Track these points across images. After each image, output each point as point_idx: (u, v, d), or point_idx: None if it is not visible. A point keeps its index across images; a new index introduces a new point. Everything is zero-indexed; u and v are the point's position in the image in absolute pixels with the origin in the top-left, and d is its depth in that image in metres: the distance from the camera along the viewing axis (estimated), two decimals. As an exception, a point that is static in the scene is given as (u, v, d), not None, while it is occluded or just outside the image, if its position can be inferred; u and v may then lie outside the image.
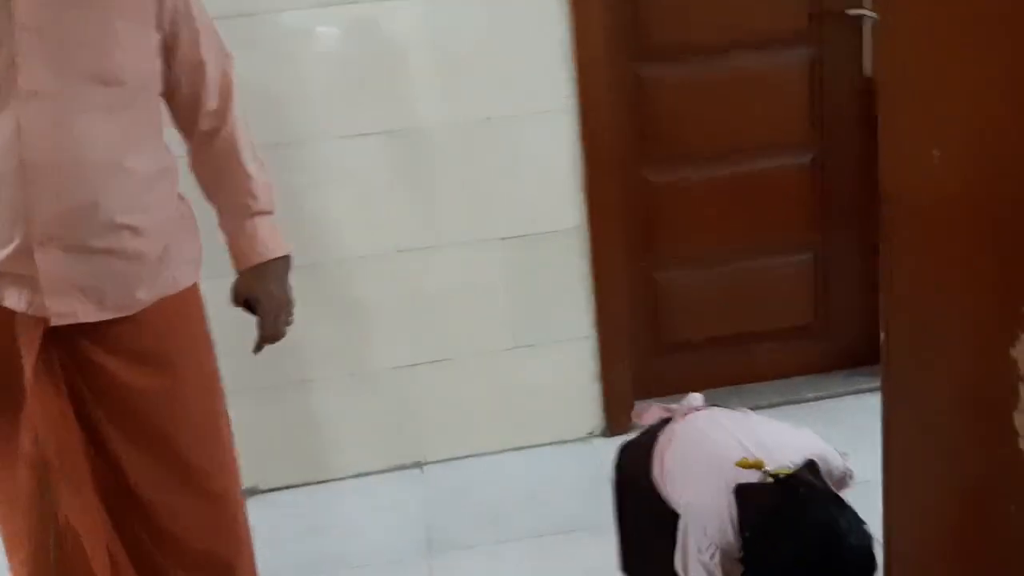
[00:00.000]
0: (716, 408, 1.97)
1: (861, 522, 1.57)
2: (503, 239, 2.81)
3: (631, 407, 2.95)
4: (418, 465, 2.91)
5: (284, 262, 1.84)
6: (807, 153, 3.04)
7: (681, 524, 1.75)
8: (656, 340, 3.06)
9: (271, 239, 1.81)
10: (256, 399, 2.75)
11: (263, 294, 1.80)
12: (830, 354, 3.14)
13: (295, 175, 2.64)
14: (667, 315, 3.06)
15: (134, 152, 1.60)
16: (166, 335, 1.70)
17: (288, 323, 1.85)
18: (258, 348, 1.85)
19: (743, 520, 1.65)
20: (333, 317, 2.78)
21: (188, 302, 1.76)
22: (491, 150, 2.75)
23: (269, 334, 1.83)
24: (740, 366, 3.08)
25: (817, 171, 3.05)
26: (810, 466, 1.69)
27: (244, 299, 1.82)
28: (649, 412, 2.07)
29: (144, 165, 1.62)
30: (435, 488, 2.81)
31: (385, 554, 2.53)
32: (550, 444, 2.94)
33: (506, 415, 2.92)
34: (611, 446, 2.89)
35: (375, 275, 2.79)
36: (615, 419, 2.95)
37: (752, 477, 1.68)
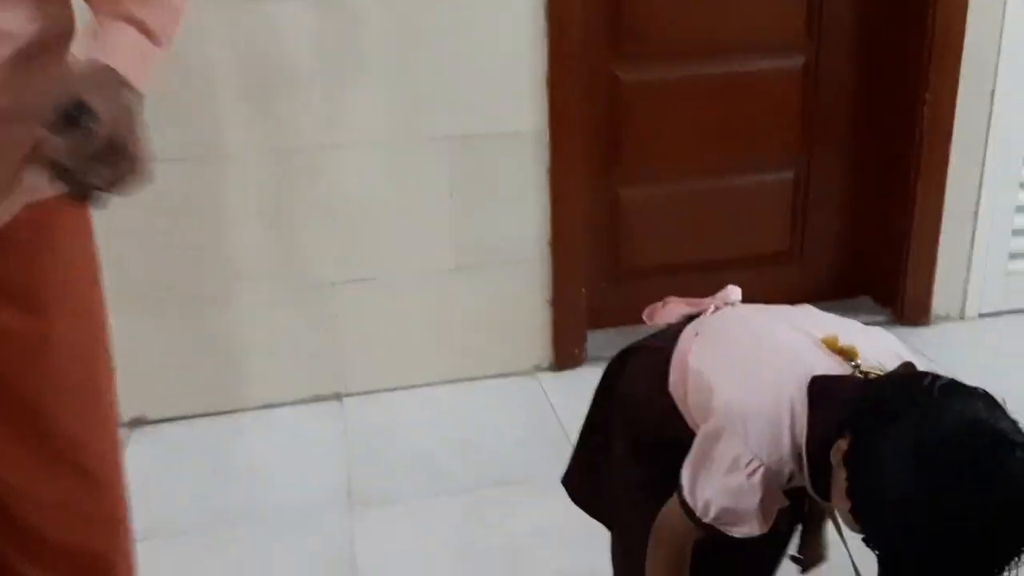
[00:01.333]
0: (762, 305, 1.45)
1: (1019, 425, 1.01)
2: (447, 139, 2.40)
3: (583, 338, 2.62)
4: (337, 397, 2.54)
5: (138, 95, 1.10)
6: (798, 56, 2.69)
7: (706, 429, 1.23)
8: (616, 264, 2.72)
9: (133, 58, 1.11)
10: (144, 311, 2.34)
11: (98, 99, 0.99)
12: (807, 284, 2.84)
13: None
14: (629, 236, 2.71)
15: (7, 5, 1.05)
16: (37, 259, 1.22)
17: (134, 169, 1.01)
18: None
19: (816, 429, 1.12)
20: (240, 221, 2.36)
21: (69, 214, 1.29)
22: (438, 30, 2.32)
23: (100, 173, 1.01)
24: (709, 295, 2.74)
25: (808, 79, 2.71)
26: (910, 368, 1.17)
27: (64, 110, 0.96)
28: (667, 309, 1.51)
29: (20, 25, 1.07)
30: (357, 425, 2.45)
31: (297, 505, 2.17)
32: (490, 378, 2.60)
33: (441, 343, 2.57)
34: (558, 382, 2.62)
35: (292, 174, 2.36)
36: (565, 352, 2.61)
37: (835, 369, 1.16)
